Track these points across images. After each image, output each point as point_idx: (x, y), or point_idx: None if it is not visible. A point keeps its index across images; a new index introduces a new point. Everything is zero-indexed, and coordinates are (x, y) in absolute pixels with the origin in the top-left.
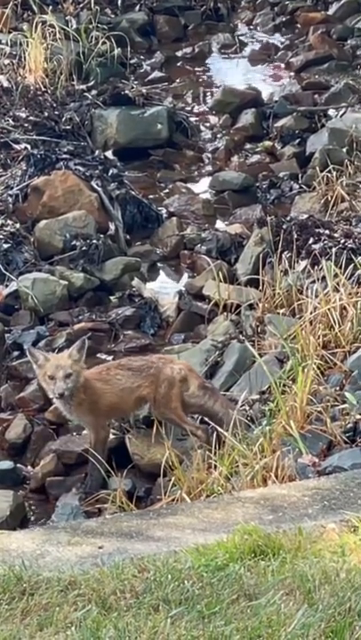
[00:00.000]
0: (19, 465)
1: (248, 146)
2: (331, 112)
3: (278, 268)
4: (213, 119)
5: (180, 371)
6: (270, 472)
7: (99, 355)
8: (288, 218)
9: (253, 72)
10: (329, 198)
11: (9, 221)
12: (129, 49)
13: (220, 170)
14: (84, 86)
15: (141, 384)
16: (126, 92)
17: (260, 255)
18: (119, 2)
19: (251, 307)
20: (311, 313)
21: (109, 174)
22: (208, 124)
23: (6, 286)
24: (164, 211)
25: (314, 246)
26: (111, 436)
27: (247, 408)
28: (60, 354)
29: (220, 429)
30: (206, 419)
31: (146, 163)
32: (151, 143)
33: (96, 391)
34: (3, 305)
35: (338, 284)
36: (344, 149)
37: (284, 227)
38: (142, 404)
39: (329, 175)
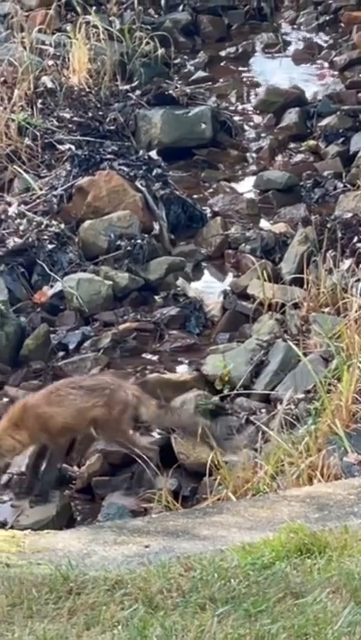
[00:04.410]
0: (65, 465)
1: (292, 145)
2: None
3: (323, 267)
4: (257, 118)
5: (134, 395)
6: (316, 471)
7: (144, 355)
8: (332, 217)
9: (297, 71)
10: None
11: (54, 222)
12: (172, 49)
13: (265, 169)
14: (127, 86)
15: (95, 403)
16: (170, 91)
17: (305, 254)
18: (163, 2)
19: (295, 306)
20: (356, 311)
21: (153, 174)
22: (252, 124)
23: (51, 287)
24: (208, 210)
25: (358, 245)
26: (157, 436)
27: (292, 407)
28: None
29: (264, 428)
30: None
31: (190, 162)
32: (195, 143)
33: (46, 416)
34: (48, 305)
35: None
36: None
37: (329, 225)
38: (93, 425)
39: None
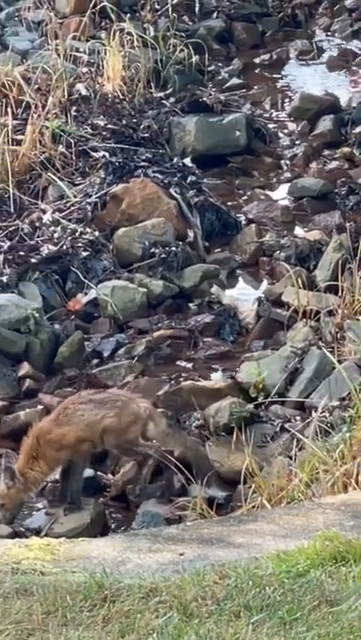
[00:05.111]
0: (99, 473)
1: (326, 152)
2: None
3: (358, 274)
4: (292, 126)
5: (146, 410)
6: (351, 478)
7: (178, 362)
8: None
9: (331, 78)
10: None
11: (88, 229)
12: (207, 56)
13: (299, 176)
14: (161, 94)
15: (105, 415)
16: (204, 99)
17: (340, 261)
18: (197, 9)
19: (330, 313)
20: None
21: (188, 181)
22: (286, 131)
23: (85, 294)
24: (242, 217)
25: None
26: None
27: (327, 414)
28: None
29: (299, 435)
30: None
31: (224, 170)
32: (229, 150)
33: (58, 437)
34: (82, 313)
35: None
36: None
37: None
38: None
39: None
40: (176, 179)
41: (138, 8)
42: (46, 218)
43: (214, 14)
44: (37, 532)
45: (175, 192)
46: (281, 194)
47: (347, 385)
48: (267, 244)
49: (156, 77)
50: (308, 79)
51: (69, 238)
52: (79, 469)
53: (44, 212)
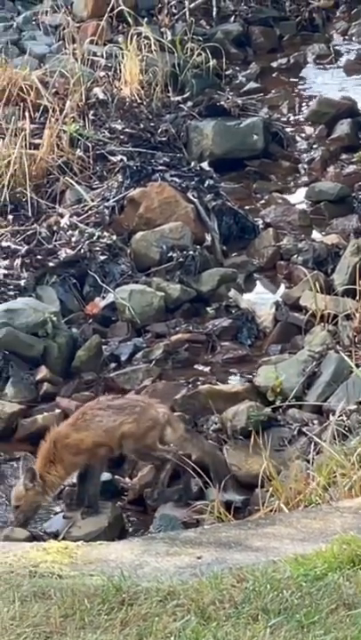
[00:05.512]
0: (116, 477)
1: (344, 156)
2: None
3: None
4: (309, 130)
5: (164, 415)
6: None
7: (196, 366)
8: None
9: (349, 82)
10: None
11: (105, 233)
12: (224, 60)
13: (316, 180)
14: (179, 98)
15: (123, 421)
16: (222, 103)
17: (357, 265)
18: (214, 13)
19: (348, 317)
20: None
21: (205, 185)
22: (304, 135)
23: (103, 298)
24: (260, 221)
25: None
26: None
27: (344, 418)
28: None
29: (316, 439)
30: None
31: (242, 174)
32: (247, 154)
33: (76, 442)
34: (100, 317)
35: None
36: None
37: None
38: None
39: None
40: (194, 182)
41: (155, 12)
42: (64, 222)
43: (232, 18)
44: (55, 536)
45: (193, 196)
46: (298, 198)
47: None
48: (284, 248)
49: (174, 81)
50: (325, 83)
51: (87, 242)
52: (96, 473)
53: (61, 215)
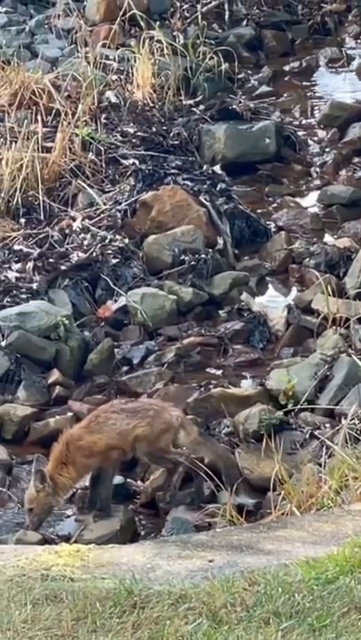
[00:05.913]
0: (129, 480)
1: (356, 160)
2: None
3: None
4: (321, 133)
5: (178, 418)
6: None
7: (208, 369)
8: None
9: None
10: None
11: (118, 237)
12: (236, 64)
13: (329, 184)
14: (191, 101)
15: (137, 424)
16: (234, 106)
17: None
18: (226, 17)
19: (360, 320)
20: None
21: (217, 189)
22: (316, 138)
23: (115, 301)
24: (272, 225)
25: None
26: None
27: (357, 422)
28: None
29: (328, 442)
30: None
31: (254, 177)
32: (259, 157)
33: (89, 444)
34: (112, 320)
35: None
36: None
37: None
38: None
39: None
40: (206, 186)
41: (167, 16)
42: (76, 225)
43: (244, 22)
44: (67, 539)
45: (205, 199)
46: (311, 201)
47: None
48: (296, 252)
49: (186, 85)
50: (337, 86)
51: (99, 245)
52: (109, 476)
53: (73, 219)
